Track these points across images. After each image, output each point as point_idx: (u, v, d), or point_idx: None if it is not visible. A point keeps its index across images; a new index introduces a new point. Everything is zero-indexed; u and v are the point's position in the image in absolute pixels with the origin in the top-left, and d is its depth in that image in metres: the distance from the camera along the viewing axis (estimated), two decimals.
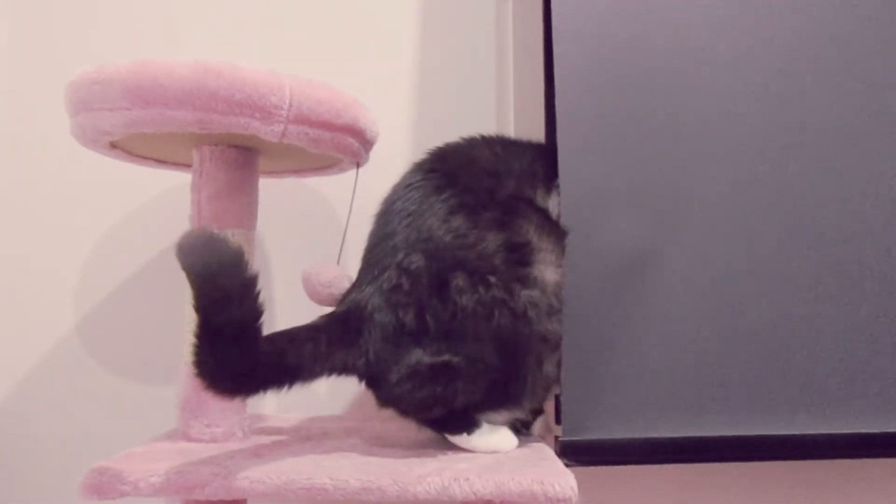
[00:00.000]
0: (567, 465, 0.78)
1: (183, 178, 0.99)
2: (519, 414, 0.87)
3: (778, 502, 1.10)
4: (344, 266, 0.91)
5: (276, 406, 1.12)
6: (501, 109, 1.19)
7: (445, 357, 0.77)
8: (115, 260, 1.15)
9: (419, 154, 1.16)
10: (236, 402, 0.89)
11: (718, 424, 0.93)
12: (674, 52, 0.99)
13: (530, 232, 0.82)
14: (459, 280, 0.77)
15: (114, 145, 0.91)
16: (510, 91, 1.19)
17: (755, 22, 0.99)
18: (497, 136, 0.95)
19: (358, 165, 0.96)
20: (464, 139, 0.91)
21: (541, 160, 0.92)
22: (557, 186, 0.91)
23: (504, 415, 0.85)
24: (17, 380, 1.13)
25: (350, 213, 0.96)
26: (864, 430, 0.93)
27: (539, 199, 0.89)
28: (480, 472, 0.72)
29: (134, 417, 1.12)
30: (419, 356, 0.77)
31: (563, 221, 0.90)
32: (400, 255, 0.79)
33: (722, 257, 0.95)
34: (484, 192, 0.82)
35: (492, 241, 0.79)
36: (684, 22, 0.99)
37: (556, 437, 0.90)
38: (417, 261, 0.78)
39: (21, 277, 1.14)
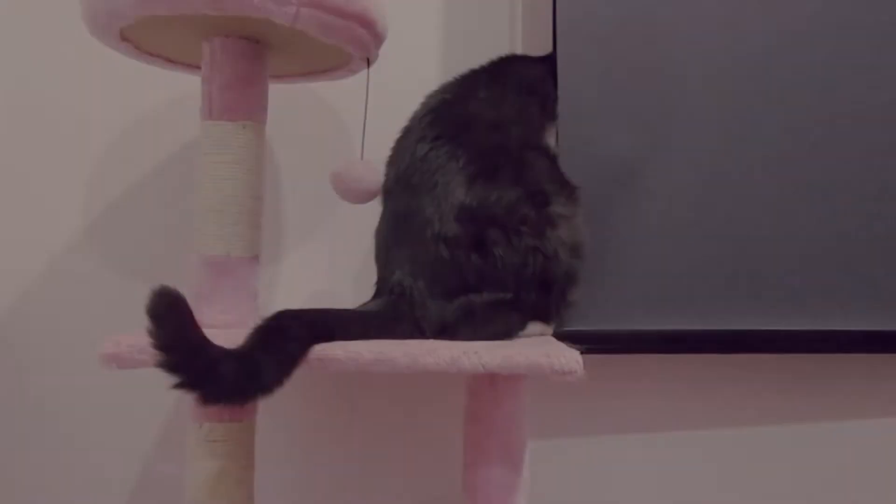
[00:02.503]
0: None
1: (192, 83, 1.00)
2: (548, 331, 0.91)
3: (758, 392, 1.15)
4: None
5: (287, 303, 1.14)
6: (513, 27, 1.19)
7: (498, 296, 0.83)
8: (123, 163, 1.16)
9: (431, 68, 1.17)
10: (249, 292, 0.91)
11: (703, 319, 1.02)
12: None
13: (542, 181, 0.87)
14: (494, 234, 0.82)
15: (124, 38, 0.91)
16: (519, 9, 1.19)
17: None
18: (483, 73, 0.97)
19: (368, 63, 0.96)
20: (451, 91, 0.94)
21: (532, 88, 0.97)
22: (552, 116, 0.98)
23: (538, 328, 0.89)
24: (25, 286, 1.15)
25: (366, 108, 0.96)
26: (836, 328, 1.03)
27: (542, 138, 0.95)
28: (489, 347, 0.74)
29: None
30: (472, 298, 0.82)
31: (561, 133, 0.98)
32: (435, 228, 0.82)
33: (709, 169, 1.04)
34: (494, 150, 0.87)
35: (512, 195, 0.84)
36: None
37: None
38: (454, 229, 0.82)
39: (30, 182, 1.15)
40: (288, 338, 0.71)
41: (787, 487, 1.14)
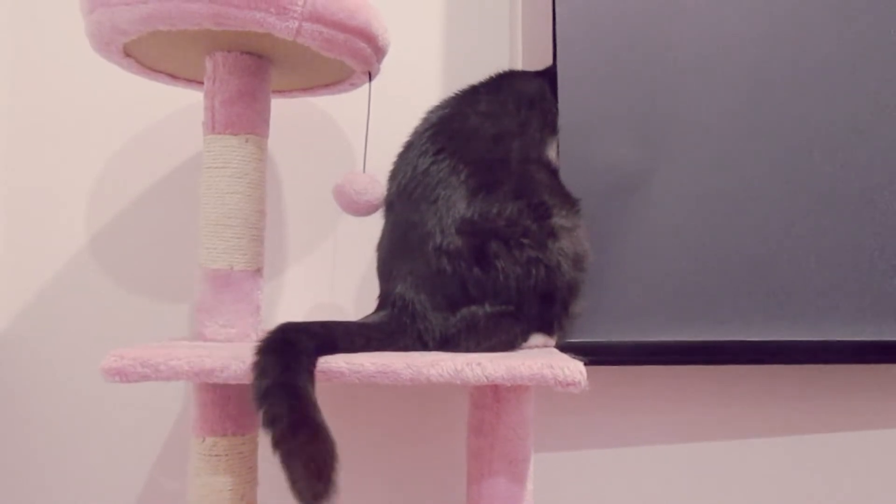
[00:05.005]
0: None
1: (194, 98, 1.00)
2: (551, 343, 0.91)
3: (764, 403, 1.14)
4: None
5: (289, 316, 1.14)
6: (513, 40, 1.19)
7: (500, 307, 0.83)
8: (127, 177, 1.16)
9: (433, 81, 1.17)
10: (251, 305, 0.91)
11: (707, 330, 1.01)
12: None
13: (543, 194, 0.87)
14: (496, 247, 0.82)
15: (128, 53, 0.91)
16: (519, 22, 1.20)
17: None
18: (483, 88, 0.98)
19: (370, 77, 0.97)
20: (452, 106, 0.94)
21: (532, 102, 0.97)
22: (553, 129, 0.98)
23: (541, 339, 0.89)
24: (29, 298, 1.15)
25: (368, 121, 0.97)
26: (841, 338, 1.02)
27: (542, 151, 0.95)
28: (492, 359, 0.74)
29: (147, 335, 1.14)
30: (474, 310, 0.82)
31: (563, 144, 0.98)
32: (437, 241, 0.83)
33: (711, 180, 1.03)
34: (495, 163, 0.88)
35: (513, 208, 0.84)
36: None
37: None
38: (456, 242, 0.82)
39: (33, 195, 1.16)
40: (299, 352, 0.71)
41: (793, 499, 1.14)
